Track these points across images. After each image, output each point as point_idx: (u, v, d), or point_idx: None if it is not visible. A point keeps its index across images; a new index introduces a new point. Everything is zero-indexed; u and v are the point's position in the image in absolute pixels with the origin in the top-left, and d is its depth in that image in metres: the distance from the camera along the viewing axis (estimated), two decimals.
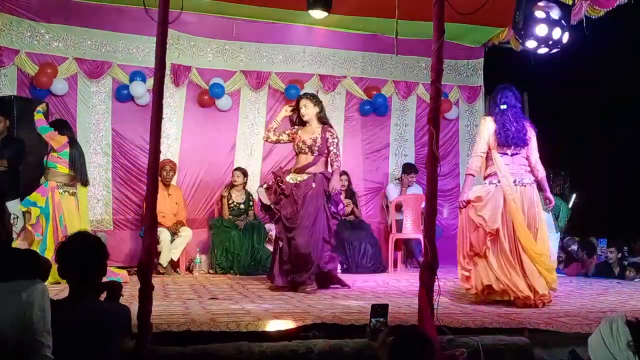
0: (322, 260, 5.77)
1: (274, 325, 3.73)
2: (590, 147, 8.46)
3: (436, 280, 3.43)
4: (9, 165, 6.20)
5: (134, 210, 7.82)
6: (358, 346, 3.42)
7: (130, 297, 4.07)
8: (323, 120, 5.99)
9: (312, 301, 4.92)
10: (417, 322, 3.42)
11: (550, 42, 4.39)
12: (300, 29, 8.43)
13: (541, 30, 4.33)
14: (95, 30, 7.69)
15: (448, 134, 9.18)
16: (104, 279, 2.98)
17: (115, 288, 3.09)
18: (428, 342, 2.69)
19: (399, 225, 7.96)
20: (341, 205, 6.14)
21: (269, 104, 8.49)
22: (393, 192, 8.50)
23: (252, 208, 7.86)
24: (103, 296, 3.02)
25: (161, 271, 7.12)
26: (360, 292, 5.69)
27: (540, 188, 5.22)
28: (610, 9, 6.78)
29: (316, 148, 5.86)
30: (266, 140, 6.29)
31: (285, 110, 6.17)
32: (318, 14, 6.96)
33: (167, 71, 7.12)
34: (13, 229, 5.87)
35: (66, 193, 6.03)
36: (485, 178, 5.14)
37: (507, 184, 4.93)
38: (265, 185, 6.18)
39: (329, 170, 5.95)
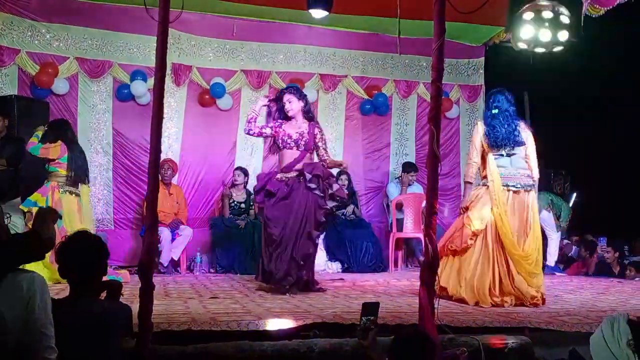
0: (312, 268, 5.60)
1: (274, 325, 3.73)
2: (591, 146, 8.46)
3: (437, 279, 3.43)
4: (8, 165, 6.20)
5: (134, 209, 7.83)
6: (358, 345, 3.42)
7: (131, 296, 4.08)
8: (309, 115, 5.72)
9: (313, 300, 4.92)
10: (418, 321, 3.42)
11: (543, 43, 4.39)
12: (301, 28, 8.44)
13: (526, 32, 4.34)
14: (96, 29, 7.70)
15: (449, 133, 9.19)
16: (105, 278, 2.99)
17: (116, 287, 3.10)
18: (429, 341, 2.69)
19: (400, 224, 7.97)
20: (336, 186, 5.60)
21: None
22: (394, 191, 8.50)
23: (253, 207, 7.86)
24: (103, 295, 3.03)
25: (162, 270, 7.13)
26: (360, 292, 5.68)
27: None
28: (611, 7, 6.77)
29: (302, 142, 5.55)
30: (247, 133, 5.81)
31: (263, 100, 5.86)
32: (318, 13, 6.95)
33: (168, 70, 7.11)
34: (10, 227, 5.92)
35: (67, 193, 6.03)
36: (481, 180, 5.19)
37: (494, 188, 4.94)
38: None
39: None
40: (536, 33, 4.39)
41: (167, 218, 7.29)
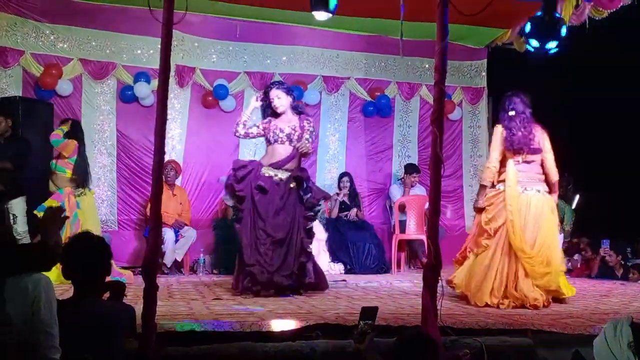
0: (308, 274, 5.38)
1: (277, 326, 3.74)
2: (594, 148, 8.44)
3: (440, 281, 3.43)
4: (12, 165, 6.23)
5: (138, 210, 7.84)
6: (355, 349, 3.42)
7: (134, 297, 4.09)
8: (298, 110, 5.53)
9: (316, 302, 4.93)
10: (421, 323, 3.43)
11: (545, 46, 4.44)
12: (304, 30, 8.44)
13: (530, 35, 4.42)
14: (100, 31, 7.72)
15: (451, 135, 9.18)
16: (108, 279, 3.00)
17: (119, 288, 3.11)
18: (431, 343, 2.70)
19: (402, 226, 7.97)
20: (309, 195, 5.35)
21: None
22: (396, 192, 8.51)
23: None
24: (107, 296, 3.04)
25: (165, 271, 7.14)
26: (363, 293, 5.69)
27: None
28: (614, 10, 6.77)
29: (295, 137, 5.33)
30: (235, 134, 5.63)
31: (255, 101, 5.64)
32: (321, 15, 6.95)
33: (172, 72, 7.13)
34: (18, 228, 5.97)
35: (81, 195, 6.15)
36: (497, 183, 5.20)
37: (511, 192, 4.99)
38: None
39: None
40: (539, 36, 4.41)
41: (170, 219, 7.31)
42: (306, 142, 5.35)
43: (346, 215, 8.14)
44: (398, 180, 8.78)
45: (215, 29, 8.19)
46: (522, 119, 5.08)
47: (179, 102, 8.08)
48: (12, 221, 5.80)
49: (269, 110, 5.55)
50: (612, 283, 6.99)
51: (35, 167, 6.41)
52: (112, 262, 2.99)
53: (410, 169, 8.49)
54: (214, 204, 8.19)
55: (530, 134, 5.06)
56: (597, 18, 6.87)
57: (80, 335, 2.63)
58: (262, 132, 5.48)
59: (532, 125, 5.10)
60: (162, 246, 6.93)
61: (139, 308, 3.12)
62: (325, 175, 8.71)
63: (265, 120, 5.50)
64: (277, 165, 5.32)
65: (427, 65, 8.89)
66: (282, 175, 5.32)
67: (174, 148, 7.99)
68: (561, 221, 7.98)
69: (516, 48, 8.54)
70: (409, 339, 2.72)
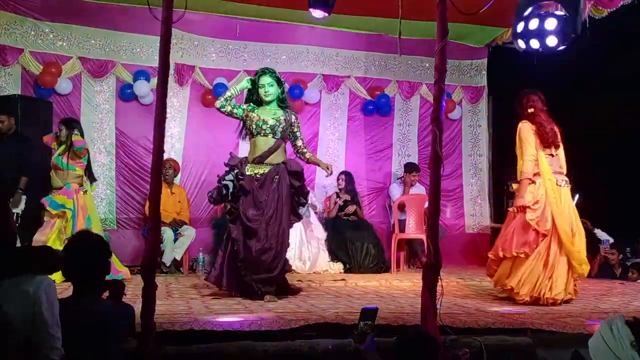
0: (285, 267, 5.19)
1: (277, 325, 3.73)
2: (595, 147, 8.43)
3: (439, 280, 3.43)
4: (17, 165, 6.24)
5: (137, 209, 7.84)
6: (355, 349, 3.41)
7: (133, 296, 4.08)
8: (284, 104, 5.26)
9: (315, 301, 4.93)
10: (420, 322, 3.43)
11: (546, 44, 4.43)
12: (304, 28, 8.44)
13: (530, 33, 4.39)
14: (99, 29, 7.72)
15: (451, 134, 9.19)
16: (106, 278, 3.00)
17: (118, 287, 3.11)
18: (431, 342, 2.70)
19: (402, 225, 7.96)
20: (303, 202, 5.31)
21: None
22: (396, 192, 8.50)
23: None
24: (106, 295, 3.03)
25: (164, 270, 7.14)
26: (363, 292, 5.69)
27: None
28: (614, 9, 6.76)
29: (280, 130, 5.09)
30: (219, 109, 5.23)
31: (247, 82, 5.31)
32: (318, 13, 6.94)
33: (171, 70, 7.12)
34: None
35: (86, 193, 6.23)
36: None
37: (550, 186, 5.06)
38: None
39: (297, 157, 5.42)
40: (539, 34, 4.40)
41: (169, 218, 7.30)
42: (328, 167, 5.44)
43: (345, 214, 8.11)
44: (398, 179, 8.78)
45: (215, 28, 8.19)
46: (547, 115, 5.22)
47: (178, 100, 8.07)
48: (16, 220, 5.82)
49: (254, 97, 5.28)
50: (611, 282, 6.99)
51: (35, 166, 6.40)
52: (112, 259, 2.99)
53: (410, 168, 8.48)
54: None
55: (553, 130, 5.21)
56: (597, 17, 6.86)
57: (79, 333, 2.63)
58: (244, 118, 5.21)
59: (552, 122, 5.25)
60: (161, 245, 6.93)
61: (138, 307, 3.12)
62: (325, 174, 8.68)
63: (250, 107, 5.22)
64: (259, 160, 5.09)
65: (427, 64, 8.90)
66: (264, 169, 5.07)
67: (173, 146, 7.98)
68: None
69: (516, 47, 8.50)
70: (409, 338, 2.72)
